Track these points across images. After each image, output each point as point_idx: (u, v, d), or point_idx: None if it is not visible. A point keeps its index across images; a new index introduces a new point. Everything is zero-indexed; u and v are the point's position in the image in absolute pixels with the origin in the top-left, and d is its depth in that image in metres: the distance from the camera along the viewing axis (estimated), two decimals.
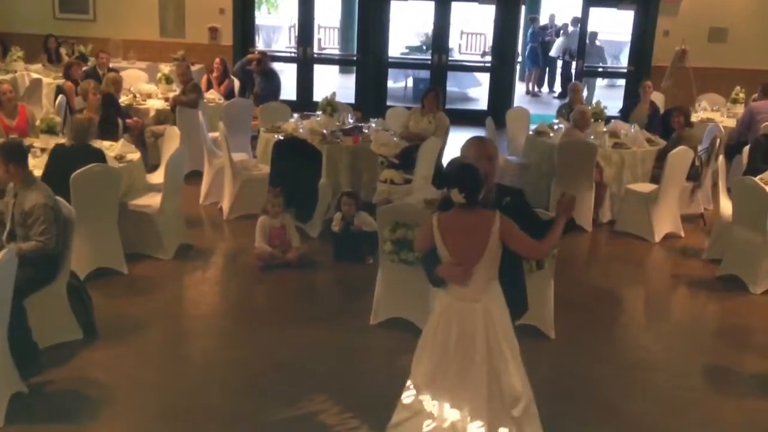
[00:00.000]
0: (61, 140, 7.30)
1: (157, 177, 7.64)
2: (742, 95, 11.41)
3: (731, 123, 10.58)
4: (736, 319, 6.68)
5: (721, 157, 8.35)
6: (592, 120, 9.06)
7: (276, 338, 5.94)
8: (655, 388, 5.43)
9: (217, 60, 11.38)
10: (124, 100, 9.97)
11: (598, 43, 16.06)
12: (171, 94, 10.26)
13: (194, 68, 11.62)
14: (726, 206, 7.64)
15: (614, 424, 4.98)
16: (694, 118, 10.32)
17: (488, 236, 3.84)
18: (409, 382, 4.15)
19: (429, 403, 4.04)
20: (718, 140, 8.84)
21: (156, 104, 10.24)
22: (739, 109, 11.03)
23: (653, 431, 4.94)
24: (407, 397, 4.16)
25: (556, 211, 4.14)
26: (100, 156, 6.74)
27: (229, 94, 10.89)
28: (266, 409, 4.95)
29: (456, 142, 10.58)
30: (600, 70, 16.25)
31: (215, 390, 5.23)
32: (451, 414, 3.97)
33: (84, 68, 10.90)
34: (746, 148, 8.82)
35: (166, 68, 11.28)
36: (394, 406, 4.91)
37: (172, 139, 7.94)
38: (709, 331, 6.65)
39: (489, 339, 3.92)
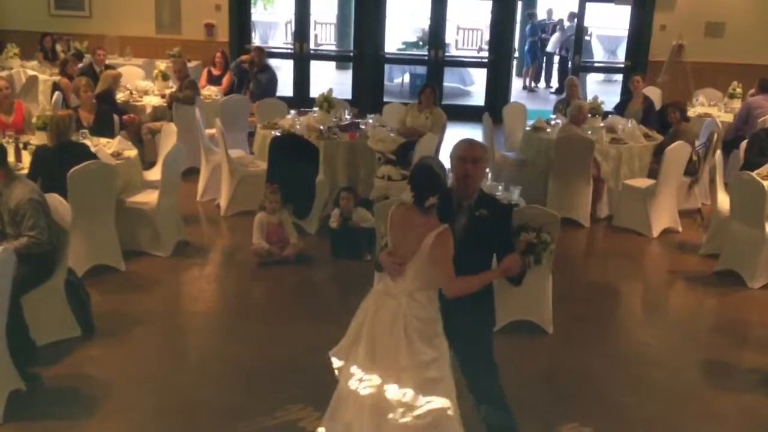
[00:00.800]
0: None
1: (154, 174, 7.63)
2: (739, 90, 11.41)
3: (729, 118, 10.58)
4: (733, 314, 6.68)
5: (718, 152, 8.36)
6: (589, 115, 9.06)
7: (273, 335, 5.94)
8: (652, 383, 5.44)
9: (218, 54, 11.39)
10: (120, 96, 9.96)
11: (587, 38, 16.05)
12: (168, 91, 10.23)
13: (191, 65, 11.60)
14: (723, 201, 7.64)
15: (611, 417, 4.98)
16: (691, 113, 10.32)
17: (419, 244, 3.73)
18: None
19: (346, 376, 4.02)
20: (715, 135, 8.84)
21: (152, 101, 10.22)
22: (737, 104, 11.03)
23: (650, 425, 4.94)
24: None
25: (500, 263, 3.96)
26: (84, 151, 6.73)
27: (230, 90, 10.90)
28: (263, 405, 4.95)
29: (453, 138, 10.59)
30: (596, 65, 16.24)
31: (212, 386, 5.23)
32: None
33: (80, 65, 10.88)
34: (743, 143, 8.83)
35: (162, 65, 11.27)
36: None
37: (168, 136, 7.92)
38: (707, 326, 6.66)
39: (394, 340, 3.81)
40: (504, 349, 5.72)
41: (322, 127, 8.53)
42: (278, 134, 8.36)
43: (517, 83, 16.87)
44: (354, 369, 3.94)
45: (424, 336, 3.82)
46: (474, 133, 11.97)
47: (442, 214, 3.75)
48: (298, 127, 8.58)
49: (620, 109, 10.32)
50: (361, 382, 3.89)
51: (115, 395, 5.02)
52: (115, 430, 4.68)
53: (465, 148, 4.04)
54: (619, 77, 14.85)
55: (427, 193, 3.72)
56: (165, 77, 10.72)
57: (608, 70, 17.56)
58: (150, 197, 7.16)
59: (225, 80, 11.11)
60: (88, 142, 7.24)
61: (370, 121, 8.88)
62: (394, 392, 3.80)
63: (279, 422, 4.78)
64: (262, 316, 6.35)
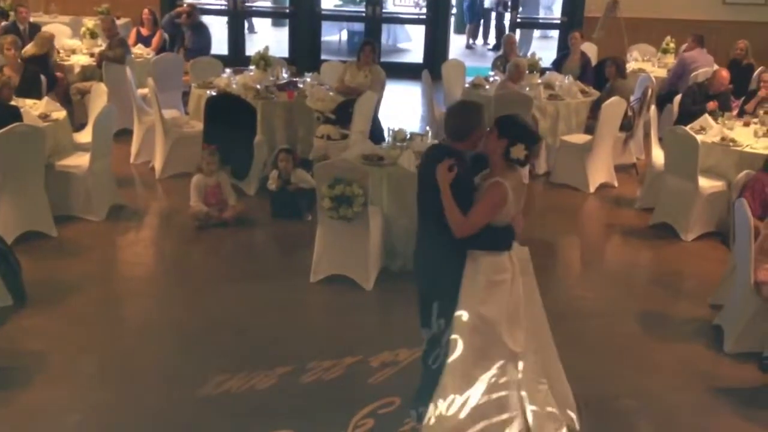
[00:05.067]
0: None
1: (85, 136, 7.39)
2: (672, 45, 11.56)
3: (662, 73, 10.73)
4: (668, 266, 6.85)
5: (652, 107, 8.48)
6: (527, 72, 9.08)
7: (214, 298, 5.86)
8: (590, 335, 5.55)
9: (146, 11, 10.98)
10: (52, 57, 9.55)
11: None
12: (96, 50, 9.89)
13: (120, 22, 11.20)
14: (658, 156, 7.78)
15: None
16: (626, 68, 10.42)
17: (525, 189, 3.99)
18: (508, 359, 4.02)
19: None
20: (649, 90, 8.96)
21: (81, 60, 9.87)
22: (670, 59, 11.19)
23: (589, 377, 5.04)
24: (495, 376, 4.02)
25: None
26: (10, 113, 6.48)
27: (161, 49, 10.56)
28: (205, 369, 4.86)
29: (392, 95, 10.54)
30: (533, 21, 16.26)
31: (152, 352, 5.16)
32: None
33: (3, 23, 10.41)
34: (677, 98, 8.98)
35: (90, 22, 10.83)
36: (335, 362, 4.93)
37: (99, 97, 7.68)
38: (643, 278, 6.81)
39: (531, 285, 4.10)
40: None
41: (258, 87, 8.37)
42: (214, 94, 8.17)
43: (457, 40, 16.80)
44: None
45: None
46: (413, 90, 11.95)
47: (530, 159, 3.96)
48: (234, 86, 8.39)
49: (558, 66, 10.37)
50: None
51: (52, 365, 4.90)
52: (52, 400, 4.57)
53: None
54: (556, 33, 14.91)
55: (535, 147, 3.97)
56: (93, 35, 10.35)
57: (545, 26, 17.58)
58: (81, 160, 6.95)
59: (155, 40, 10.70)
60: (13, 103, 6.96)
61: (308, 79, 8.73)
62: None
63: (222, 386, 4.72)
64: (202, 279, 6.25)
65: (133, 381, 4.79)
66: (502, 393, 3.96)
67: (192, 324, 5.48)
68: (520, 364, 4.01)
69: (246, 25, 14.93)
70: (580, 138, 8.60)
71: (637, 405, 4.78)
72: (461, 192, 3.86)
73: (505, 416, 3.96)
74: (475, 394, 3.89)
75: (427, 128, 8.19)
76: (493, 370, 3.91)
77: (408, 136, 6.72)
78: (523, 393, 4.03)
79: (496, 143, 3.86)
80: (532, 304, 4.10)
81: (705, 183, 7.14)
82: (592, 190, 8.37)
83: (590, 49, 11.18)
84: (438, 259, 4.07)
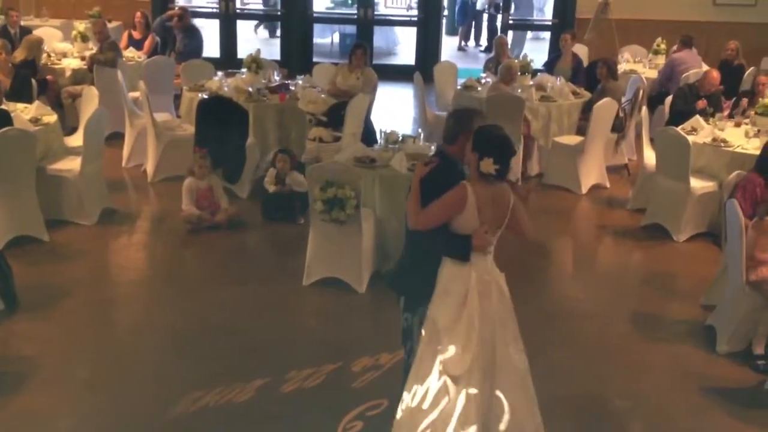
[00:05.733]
0: None
1: (76, 140, 7.37)
2: (663, 46, 11.60)
3: (653, 74, 10.76)
4: (660, 266, 6.86)
5: (644, 108, 8.50)
6: (519, 73, 9.10)
7: (206, 302, 5.85)
8: (583, 336, 5.56)
9: (138, 14, 10.96)
10: (40, 61, 9.52)
11: None
12: (87, 53, 9.85)
13: (111, 25, 11.18)
14: (649, 156, 7.80)
15: (543, 369, 5.02)
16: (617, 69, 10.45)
17: (507, 208, 3.80)
18: (438, 376, 3.80)
19: (462, 395, 3.76)
20: (641, 91, 8.98)
21: (72, 63, 9.84)
22: (661, 60, 11.22)
23: (582, 376, 5.05)
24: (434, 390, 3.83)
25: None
26: (5, 118, 6.45)
27: (153, 52, 10.54)
28: (198, 372, 4.88)
29: (384, 98, 10.54)
30: (525, 23, 16.28)
31: (145, 356, 5.14)
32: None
33: None
34: (668, 99, 9.00)
35: (81, 25, 10.81)
36: (328, 366, 4.95)
37: (90, 100, 7.65)
38: (635, 279, 6.82)
39: (504, 314, 3.89)
40: None
41: (250, 89, 8.35)
42: (206, 97, 8.15)
43: (449, 42, 16.82)
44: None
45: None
46: (405, 92, 11.96)
47: (506, 173, 3.80)
48: (225, 89, 8.38)
49: (549, 67, 10.38)
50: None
51: (44, 370, 4.87)
52: (45, 405, 4.54)
53: (480, 119, 4.05)
54: (548, 35, 14.94)
55: (509, 161, 3.76)
56: (84, 38, 10.32)
57: (536, 27, 17.62)
58: (72, 164, 6.93)
59: (147, 44, 10.68)
60: (4, 107, 6.93)
61: (300, 82, 8.73)
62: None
63: (215, 390, 4.71)
64: (195, 282, 6.24)
65: (126, 385, 4.77)
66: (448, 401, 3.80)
67: (185, 328, 5.46)
68: (462, 392, 3.75)
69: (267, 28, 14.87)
70: (572, 139, 8.62)
71: (630, 405, 4.79)
72: (431, 189, 3.81)
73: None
74: (431, 391, 3.83)
75: (419, 130, 8.17)
76: (438, 379, 3.80)
77: (400, 138, 6.72)
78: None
79: (470, 154, 3.78)
80: (498, 340, 3.81)
81: (696, 184, 7.16)
82: (584, 191, 8.39)
83: (581, 51, 11.20)
84: (411, 256, 4.09)
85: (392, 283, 4.37)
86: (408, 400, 3.83)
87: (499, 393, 3.79)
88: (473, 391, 3.74)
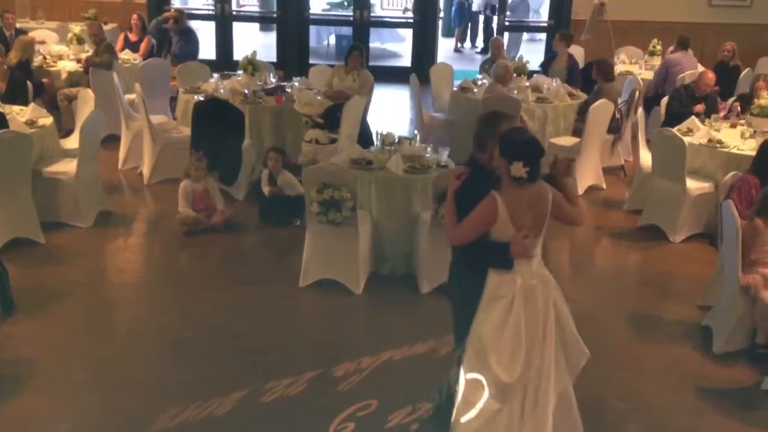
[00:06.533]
0: None
1: (72, 142, 7.36)
2: (659, 47, 11.63)
3: (649, 75, 10.79)
4: (657, 267, 6.86)
5: (640, 110, 8.52)
6: (515, 75, 9.10)
7: (203, 304, 5.84)
8: (580, 337, 5.54)
9: (134, 16, 10.95)
10: (33, 62, 9.51)
11: None
12: (83, 55, 9.86)
13: (107, 28, 11.18)
14: (646, 158, 7.81)
15: None
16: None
17: (547, 207, 3.71)
18: (484, 386, 3.77)
19: (508, 402, 3.78)
20: (637, 93, 9.00)
21: (68, 66, 9.84)
22: (657, 62, 11.24)
23: (579, 377, 4.99)
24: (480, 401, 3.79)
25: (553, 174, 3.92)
26: (1, 120, 6.45)
27: (149, 54, 10.54)
28: (194, 375, 4.88)
29: (380, 99, 10.54)
30: (521, 24, 16.31)
31: (142, 358, 5.13)
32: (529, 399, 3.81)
33: None
34: (664, 100, 9.02)
35: (77, 28, 10.80)
36: (324, 368, 4.94)
37: (86, 102, 7.65)
38: (632, 280, 6.83)
39: (558, 312, 3.83)
40: (437, 309, 5.80)
41: (246, 91, 8.35)
42: (201, 99, 8.15)
43: (446, 44, 16.83)
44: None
45: (563, 300, 3.89)
46: (402, 94, 11.96)
47: (537, 174, 3.69)
48: (221, 91, 8.38)
49: (545, 68, 10.40)
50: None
51: (41, 372, 4.86)
52: (41, 408, 4.53)
53: (511, 121, 3.91)
54: (544, 36, 14.96)
55: (540, 163, 3.65)
56: (80, 41, 10.33)
57: (532, 29, 17.65)
58: (68, 166, 6.92)
59: (143, 46, 10.70)
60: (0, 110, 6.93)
61: (296, 84, 8.72)
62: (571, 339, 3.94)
63: (213, 391, 4.70)
64: (191, 285, 6.22)
65: (122, 388, 4.76)
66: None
67: (181, 330, 5.45)
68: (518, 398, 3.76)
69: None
70: (568, 140, 8.63)
71: (627, 407, 4.79)
72: (466, 202, 3.71)
73: None
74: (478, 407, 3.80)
75: (416, 132, 8.19)
76: (486, 397, 3.76)
77: (396, 140, 6.72)
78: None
79: (499, 160, 3.67)
80: (543, 340, 3.78)
81: (692, 184, 7.17)
82: (580, 192, 8.38)
83: (577, 52, 11.22)
84: (458, 265, 4.00)
85: (446, 292, 4.30)
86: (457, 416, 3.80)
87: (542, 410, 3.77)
88: (514, 405, 3.75)
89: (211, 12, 14.15)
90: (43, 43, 10.58)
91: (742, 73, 10.23)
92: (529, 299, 3.73)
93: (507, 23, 14.42)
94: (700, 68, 10.00)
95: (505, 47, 11.36)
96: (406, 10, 18.32)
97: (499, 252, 3.69)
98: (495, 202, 3.63)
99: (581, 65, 10.60)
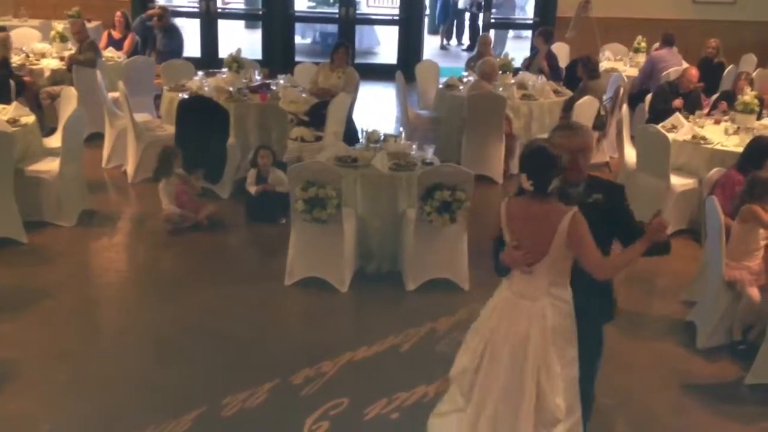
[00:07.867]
0: None
1: (55, 141, 7.31)
2: (643, 44, 11.67)
3: (634, 72, 10.82)
4: (641, 263, 6.70)
5: (624, 106, 8.54)
6: (500, 72, 9.11)
7: (188, 302, 5.81)
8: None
9: (118, 13, 10.89)
10: (15, 60, 9.44)
11: None
12: (66, 53, 9.77)
13: (90, 25, 11.09)
14: (630, 154, 7.83)
15: None
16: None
17: (554, 233, 3.44)
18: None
19: (459, 399, 3.79)
20: (621, 90, 9.03)
21: (51, 64, 9.76)
22: (642, 59, 11.29)
23: None
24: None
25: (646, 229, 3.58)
26: None
27: (133, 52, 10.47)
28: (181, 373, 4.85)
29: (366, 97, 10.51)
30: (506, 21, 16.34)
31: (127, 357, 5.10)
32: (485, 419, 3.67)
33: None
34: (648, 97, 9.05)
35: (60, 26, 10.72)
36: (310, 366, 4.93)
37: (69, 101, 7.59)
38: (616, 276, 6.81)
39: (540, 347, 3.55)
40: (421, 306, 5.81)
41: (231, 89, 8.31)
42: (186, 97, 8.10)
43: (432, 41, 16.83)
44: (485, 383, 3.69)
45: (567, 333, 3.62)
46: (387, 91, 11.94)
47: (565, 196, 3.50)
48: (206, 89, 8.33)
49: (528, 66, 10.43)
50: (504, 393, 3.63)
51: (25, 372, 4.82)
52: (25, 408, 4.49)
53: (571, 136, 3.64)
54: (530, 33, 14.98)
55: (548, 177, 3.42)
56: (63, 39, 10.24)
57: (518, 26, 17.67)
58: (51, 165, 6.87)
59: (127, 43, 10.63)
60: None
61: (281, 81, 8.69)
62: (550, 404, 3.59)
63: (199, 390, 4.68)
64: (176, 283, 6.19)
65: (107, 388, 4.73)
66: None
67: (166, 329, 5.42)
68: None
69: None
70: None
71: (613, 404, 4.78)
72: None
73: None
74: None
75: (401, 129, 8.18)
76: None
77: (382, 137, 6.71)
78: None
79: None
80: (511, 371, 3.60)
81: (677, 181, 7.20)
82: None
83: (563, 49, 11.25)
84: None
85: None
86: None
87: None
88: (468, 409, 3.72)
89: (195, 9, 14.08)
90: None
91: (726, 70, 10.28)
92: (508, 316, 3.61)
93: (493, 20, 14.43)
94: (685, 65, 10.04)
95: (491, 44, 11.36)
96: (392, 5, 18.30)
97: (497, 254, 3.70)
98: (500, 207, 3.64)
99: (566, 62, 10.63)
